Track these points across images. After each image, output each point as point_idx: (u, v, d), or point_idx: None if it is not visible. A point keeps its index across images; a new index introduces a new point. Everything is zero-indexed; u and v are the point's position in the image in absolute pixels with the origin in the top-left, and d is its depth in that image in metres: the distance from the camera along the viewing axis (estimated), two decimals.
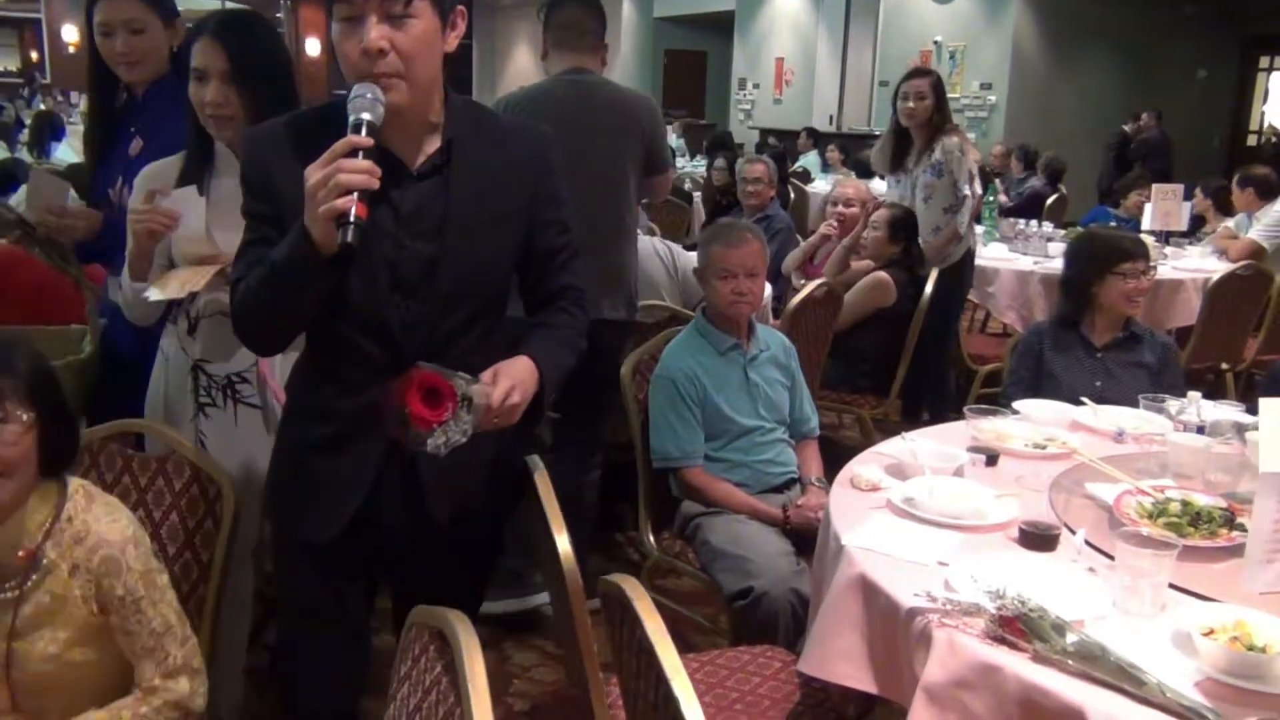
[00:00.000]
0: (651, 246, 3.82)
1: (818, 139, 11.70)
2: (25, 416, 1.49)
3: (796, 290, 3.97)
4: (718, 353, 2.72)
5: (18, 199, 4.01)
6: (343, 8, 1.45)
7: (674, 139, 12.98)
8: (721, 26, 16.67)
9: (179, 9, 2.54)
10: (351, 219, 1.36)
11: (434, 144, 1.58)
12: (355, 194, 1.36)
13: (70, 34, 18.49)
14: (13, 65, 20.30)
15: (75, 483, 1.64)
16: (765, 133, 14.16)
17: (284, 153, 1.52)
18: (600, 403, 3.00)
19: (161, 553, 1.92)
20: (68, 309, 2.68)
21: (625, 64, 18.33)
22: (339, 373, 1.61)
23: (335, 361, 1.61)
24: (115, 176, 2.41)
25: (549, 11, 2.99)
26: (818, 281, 3.86)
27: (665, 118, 14.70)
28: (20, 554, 1.55)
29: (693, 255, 3.45)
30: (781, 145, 11.06)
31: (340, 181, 1.35)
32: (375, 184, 1.39)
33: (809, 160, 11.07)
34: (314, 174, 1.37)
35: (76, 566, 1.57)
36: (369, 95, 1.42)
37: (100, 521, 1.60)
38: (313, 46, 20.05)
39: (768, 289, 4.34)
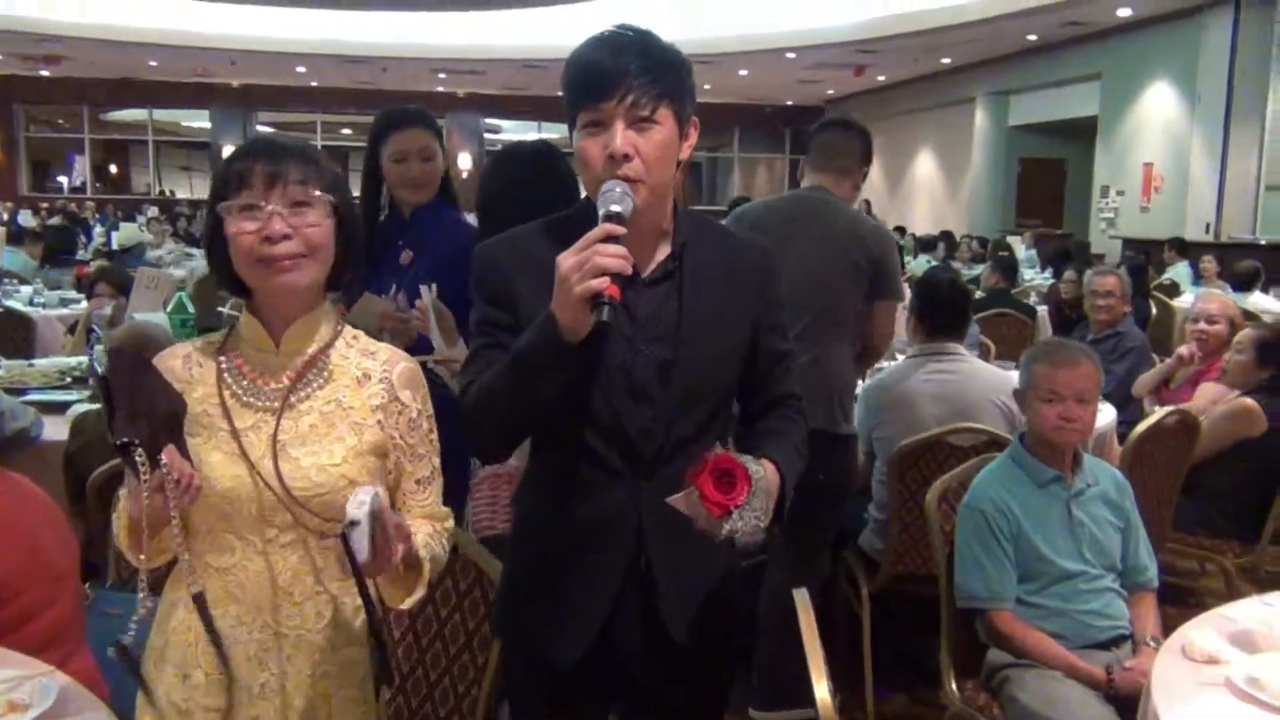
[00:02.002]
0: (977, 366, 3.59)
1: (1185, 249, 10.67)
2: (326, 202, 1.49)
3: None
4: (1036, 485, 2.46)
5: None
6: (589, 114, 1.50)
7: (1023, 250, 12.37)
8: (1082, 133, 15.82)
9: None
10: (606, 299, 1.38)
11: (664, 251, 1.61)
12: (609, 277, 1.38)
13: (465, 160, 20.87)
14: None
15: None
16: (1129, 243, 13.14)
17: (523, 261, 1.58)
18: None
19: (443, 650, 1.99)
20: None
21: (977, 173, 17.84)
22: (573, 481, 1.60)
23: (569, 469, 1.60)
24: (389, 284, 2.64)
25: (812, 133, 3.24)
26: (1169, 409, 3.44)
27: (1016, 228, 14.08)
28: (305, 358, 1.53)
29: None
30: (1142, 256, 10.19)
31: (597, 264, 1.37)
32: (629, 269, 1.40)
33: (1178, 272, 10.11)
34: (567, 260, 1.39)
35: (368, 375, 1.54)
36: (618, 190, 1.46)
37: (391, 349, 1.59)
38: None
39: (1113, 414, 3.94)
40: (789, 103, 23.55)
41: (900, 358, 3.86)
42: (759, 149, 25.73)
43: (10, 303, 6.57)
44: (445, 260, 2.46)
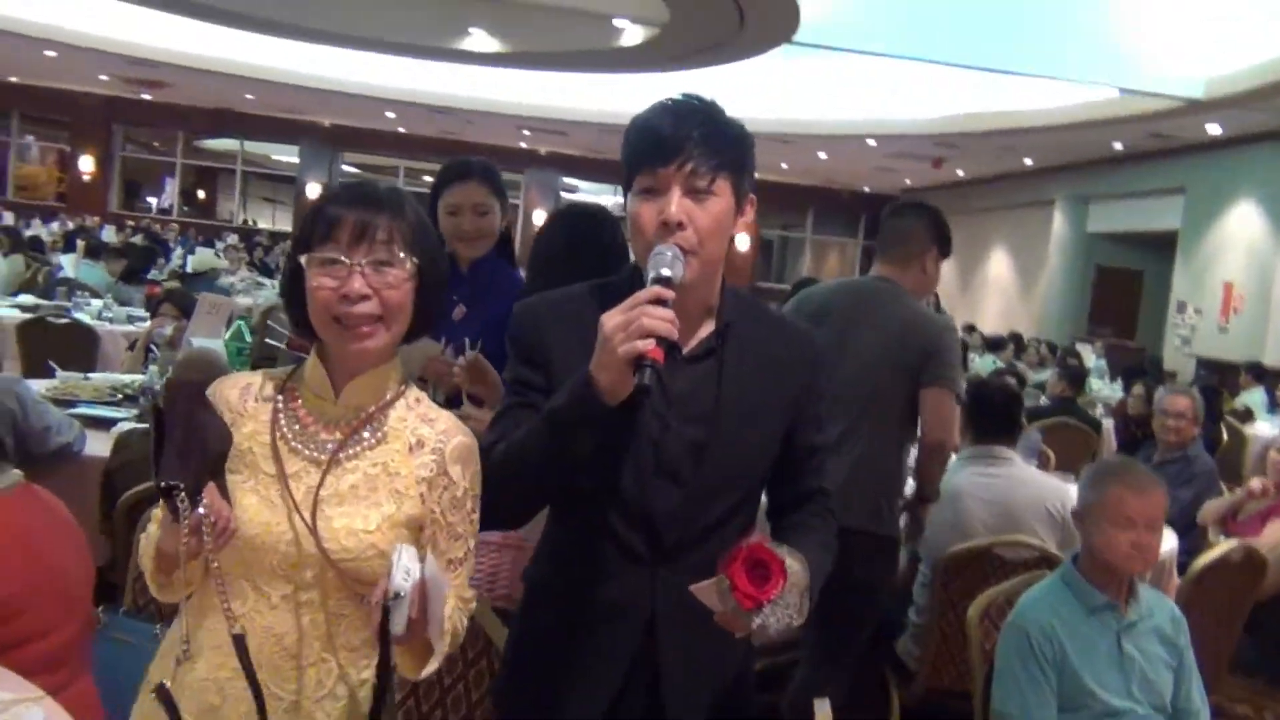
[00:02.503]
0: (1027, 473, 3.46)
1: (1262, 375, 10.34)
2: (410, 264, 1.44)
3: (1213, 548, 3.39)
4: (1086, 611, 2.33)
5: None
6: (645, 179, 1.48)
7: (1093, 359, 12.11)
8: (1161, 245, 15.55)
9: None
10: (649, 362, 1.34)
11: (708, 328, 1.57)
12: (654, 340, 1.34)
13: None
14: None
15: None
16: (1203, 363, 12.80)
17: (560, 323, 1.55)
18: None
19: None
20: None
21: (1052, 277, 17.61)
22: (590, 558, 1.54)
23: (587, 546, 1.54)
24: (439, 338, 2.59)
25: (882, 219, 3.18)
26: (1234, 542, 3.27)
27: (1088, 336, 13.75)
28: (364, 414, 1.46)
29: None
30: (1216, 377, 9.90)
31: (644, 325, 1.33)
32: (675, 333, 1.36)
33: (1253, 398, 9.78)
34: (612, 319, 1.36)
35: (422, 444, 1.47)
36: (670, 254, 1.42)
37: (451, 419, 1.52)
38: (742, 241, 21.31)
39: (1175, 542, 3.77)
40: (866, 189, 23.56)
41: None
42: (832, 232, 25.72)
43: (79, 315, 6.71)
44: (497, 318, 2.42)
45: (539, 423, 1.44)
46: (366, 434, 1.47)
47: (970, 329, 15.03)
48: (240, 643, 1.38)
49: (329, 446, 1.45)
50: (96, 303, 7.30)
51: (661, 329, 1.34)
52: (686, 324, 1.50)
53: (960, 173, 19.48)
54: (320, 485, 1.42)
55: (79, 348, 5.90)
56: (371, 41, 12.84)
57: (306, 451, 1.45)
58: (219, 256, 13.17)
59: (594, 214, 2.48)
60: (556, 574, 1.60)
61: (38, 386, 3.81)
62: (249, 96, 20.11)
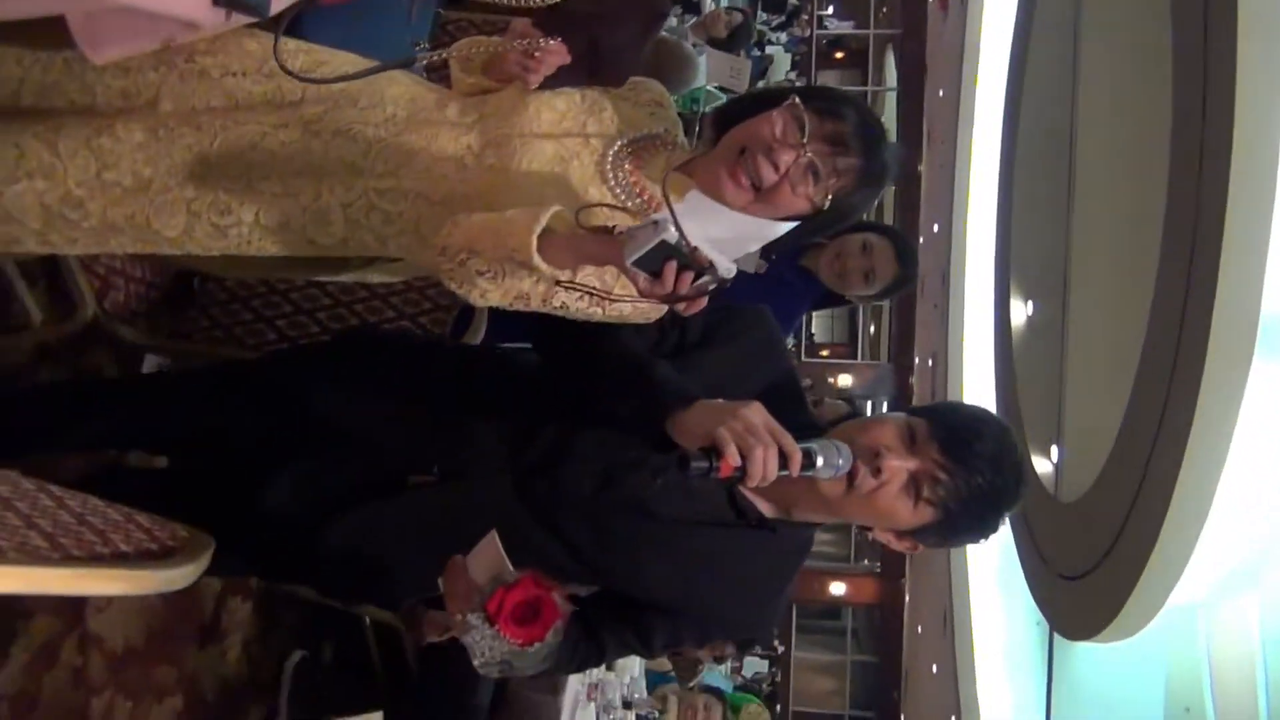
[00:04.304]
0: None
1: None
2: (812, 202, 1.40)
3: None
4: None
5: None
6: (901, 445, 1.38)
7: None
8: None
9: None
10: (714, 465, 1.21)
11: (770, 507, 1.47)
12: (743, 469, 1.22)
13: None
14: None
15: None
16: None
17: (769, 364, 1.53)
18: None
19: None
20: None
21: None
22: (496, 400, 1.51)
23: (498, 393, 1.53)
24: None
25: None
26: None
27: None
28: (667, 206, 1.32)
29: None
30: None
31: (754, 450, 1.22)
32: (754, 484, 1.25)
33: None
34: (758, 418, 1.25)
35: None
36: (840, 460, 1.31)
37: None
38: None
39: None
40: None
41: None
42: None
43: None
44: (755, 292, 1.88)
45: (644, 363, 1.39)
46: (639, 203, 1.45)
47: None
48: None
49: (625, 186, 1.46)
50: None
51: (754, 471, 1.22)
52: (775, 491, 1.39)
53: None
54: (574, 159, 1.45)
55: None
56: None
57: (610, 176, 1.46)
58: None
59: None
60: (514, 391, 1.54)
61: None
62: None
